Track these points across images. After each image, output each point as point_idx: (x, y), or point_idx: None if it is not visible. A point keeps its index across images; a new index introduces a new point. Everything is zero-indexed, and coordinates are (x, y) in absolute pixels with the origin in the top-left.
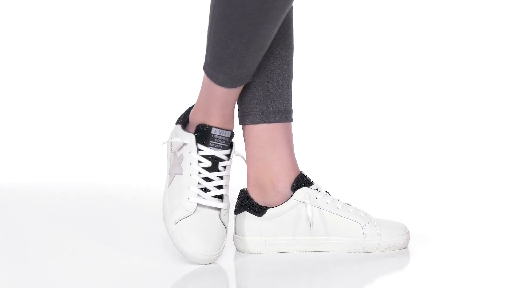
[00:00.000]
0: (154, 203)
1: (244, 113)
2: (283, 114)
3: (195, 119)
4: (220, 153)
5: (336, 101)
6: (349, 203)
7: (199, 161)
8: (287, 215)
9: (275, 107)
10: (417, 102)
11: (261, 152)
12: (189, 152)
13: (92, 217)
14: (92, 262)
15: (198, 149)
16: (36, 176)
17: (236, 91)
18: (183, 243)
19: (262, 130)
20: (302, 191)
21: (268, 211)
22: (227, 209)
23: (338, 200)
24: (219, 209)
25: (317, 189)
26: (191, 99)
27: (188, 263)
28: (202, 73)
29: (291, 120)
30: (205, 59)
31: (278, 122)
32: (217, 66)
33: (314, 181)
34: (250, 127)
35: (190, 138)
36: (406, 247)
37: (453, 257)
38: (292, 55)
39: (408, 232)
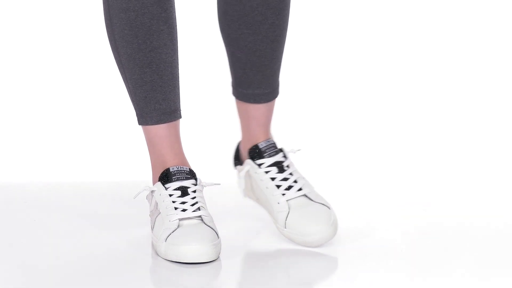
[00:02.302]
0: None
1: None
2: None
3: (155, 178)
4: (186, 183)
5: (337, 101)
6: (285, 184)
7: (170, 195)
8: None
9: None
10: (417, 102)
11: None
12: (160, 195)
13: (92, 217)
14: (93, 262)
15: (166, 188)
16: (36, 176)
17: (173, 128)
18: (176, 248)
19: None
20: (245, 165)
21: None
22: (210, 217)
23: (273, 179)
24: (200, 217)
25: (261, 164)
26: (190, 98)
27: (188, 266)
28: (201, 72)
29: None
30: (136, 116)
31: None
32: (146, 107)
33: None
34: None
35: (157, 184)
36: (321, 245)
37: (451, 257)
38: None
39: (331, 225)
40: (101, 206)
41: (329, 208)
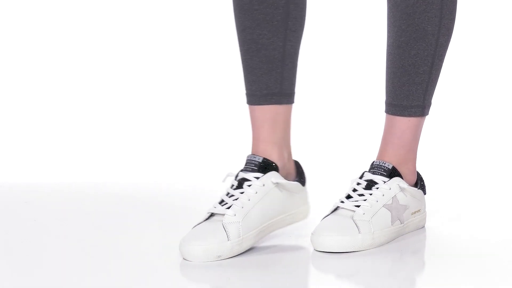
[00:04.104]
0: (155, 204)
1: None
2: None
3: None
4: (248, 175)
5: (339, 100)
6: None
7: (232, 185)
8: None
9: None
10: None
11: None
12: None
13: (92, 217)
14: (93, 262)
15: (236, 175)
16: (36, 176)
17: (267, 112)
18: (181, 243)
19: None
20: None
21: None
22: (233, 217)
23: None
24: (223, 215)
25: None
26: (190, 99)
27: (188, 267)
28: (200, 73)
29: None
30: None
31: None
32: (246, 86)
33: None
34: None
35: (237, 172)
36: None
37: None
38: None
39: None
40: (101, 206)
41: (228, 237)
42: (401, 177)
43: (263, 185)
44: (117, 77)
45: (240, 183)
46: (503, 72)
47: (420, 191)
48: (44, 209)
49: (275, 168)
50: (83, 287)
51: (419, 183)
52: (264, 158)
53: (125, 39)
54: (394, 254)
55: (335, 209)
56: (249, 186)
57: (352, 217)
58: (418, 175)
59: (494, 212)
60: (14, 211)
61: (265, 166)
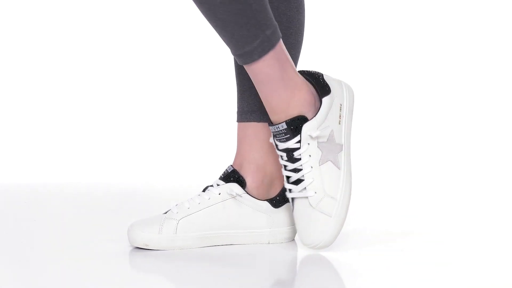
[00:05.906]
0: (153, 203)
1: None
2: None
3: None
4: (213, 182)
5: None
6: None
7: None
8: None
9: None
10: (418, 104)
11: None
12: None
13: (92, 217)
14: (92, 261)
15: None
16: (36, 176)
17: (243, 129)
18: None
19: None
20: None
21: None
22: (175, 214)
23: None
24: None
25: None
26: (191, 99)
27: (189, 267)
28: (200, 74)
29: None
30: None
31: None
32: None
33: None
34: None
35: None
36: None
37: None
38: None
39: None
40: (101, 206)
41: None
42: (305, 117)
43: (219, 193)
44: (116, 79)
45: (205, 188)
46: (489, 78)
47: (326, 102)
48: (44, 209)
49: (238, 181)
50: (82, 287)
51: (319, 89)
52: (234, 169)
53: (124, 41)
54: (393, 254)
55: (292, 202)
56: (207, 191)
57: (311, 205)
58: (314, 75)
59: (492, 213)
60: (14, 211)
61: (229, 179)
